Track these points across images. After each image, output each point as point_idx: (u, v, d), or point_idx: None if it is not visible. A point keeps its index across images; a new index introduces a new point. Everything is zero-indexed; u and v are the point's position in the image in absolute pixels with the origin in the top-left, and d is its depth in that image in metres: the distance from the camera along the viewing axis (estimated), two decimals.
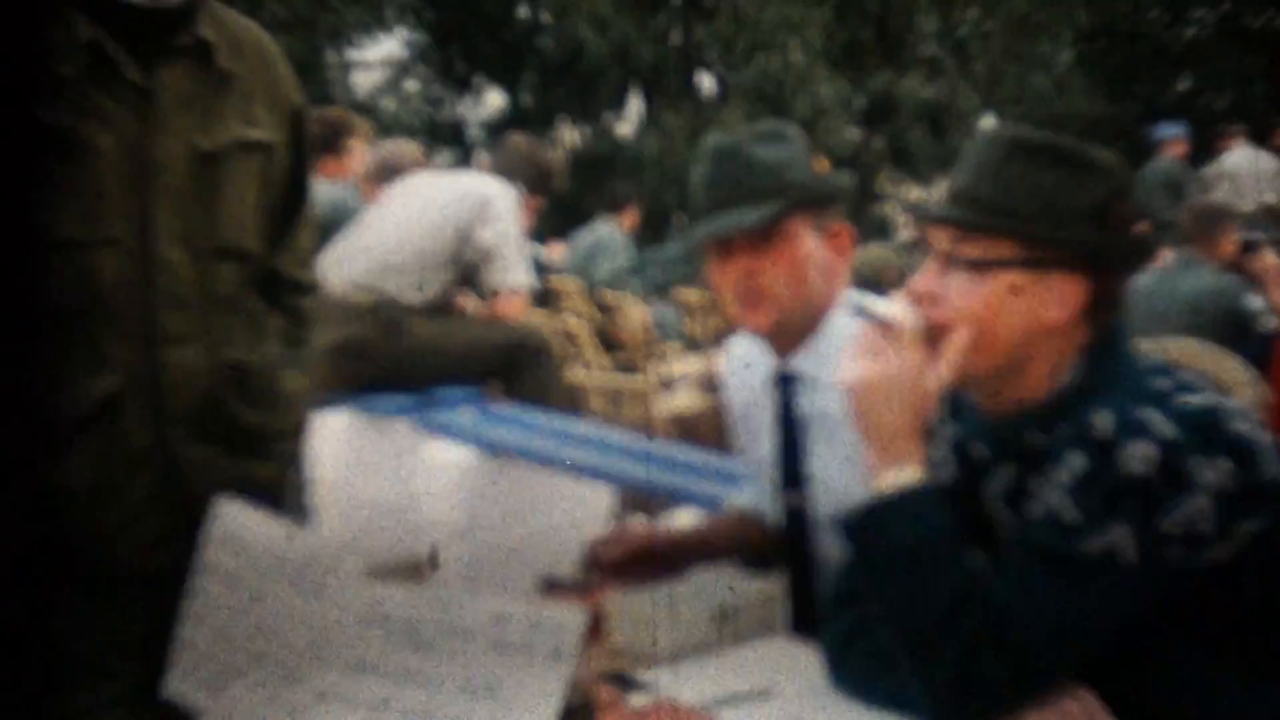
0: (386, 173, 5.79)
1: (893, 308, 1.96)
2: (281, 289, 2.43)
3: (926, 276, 1.92)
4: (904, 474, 1.86)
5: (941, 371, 1.88)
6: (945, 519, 1.84)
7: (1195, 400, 1.81)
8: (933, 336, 1.88)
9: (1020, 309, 1.89)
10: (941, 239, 1.92)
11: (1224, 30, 17.39)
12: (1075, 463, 1.80)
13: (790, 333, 2.51)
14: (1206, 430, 1.78)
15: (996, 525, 1.97)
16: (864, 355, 1.89)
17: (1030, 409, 1.92)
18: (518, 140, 5.78)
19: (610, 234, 9.68)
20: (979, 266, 1.89)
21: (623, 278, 9.42)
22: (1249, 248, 6.98)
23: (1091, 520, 1.76)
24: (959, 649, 1.76)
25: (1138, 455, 1.76)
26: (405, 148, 6.44)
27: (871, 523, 1.88)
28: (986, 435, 1.97)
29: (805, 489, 2.53)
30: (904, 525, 1.84)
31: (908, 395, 1.87)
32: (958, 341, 1.88)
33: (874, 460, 1.89)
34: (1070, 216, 1.90)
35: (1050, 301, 1.90)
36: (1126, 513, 1.75)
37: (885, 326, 1.89)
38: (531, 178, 5.44)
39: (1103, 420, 1.80)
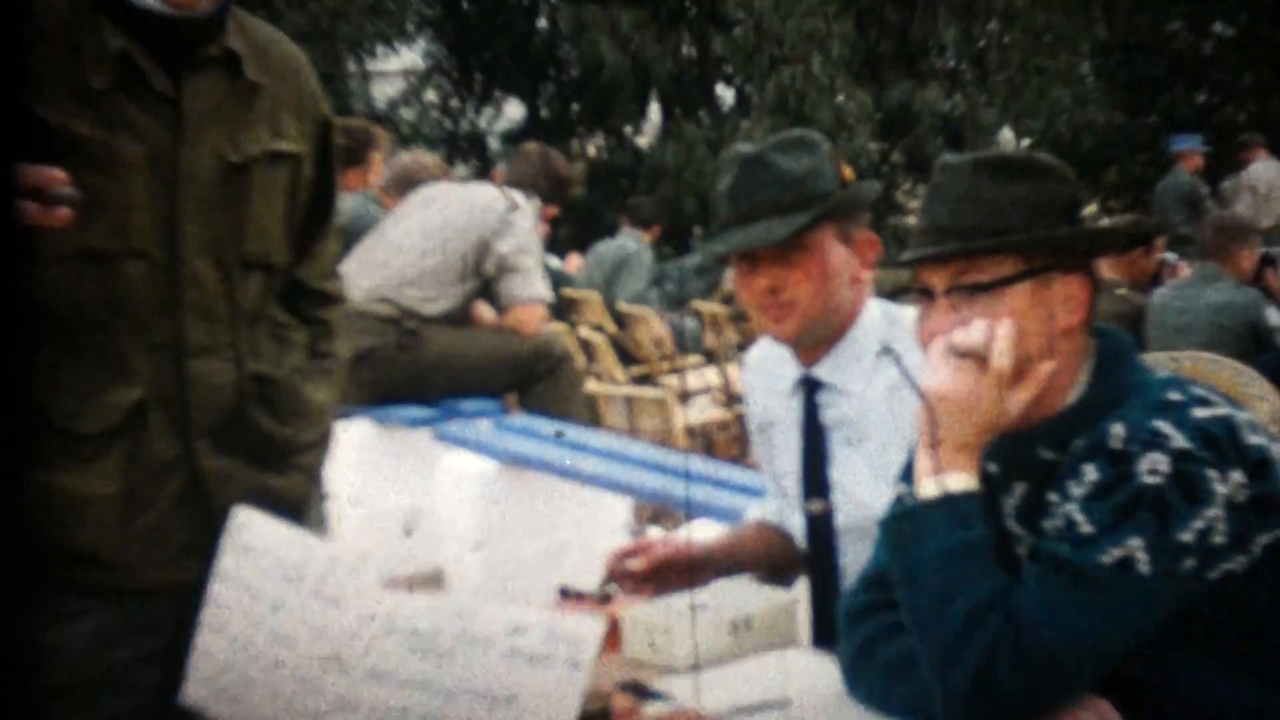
0: (407, 184, 5.79)
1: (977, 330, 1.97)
2: (307, 300, 2.43)
3: (940, 318, 1.92)
4: (956, 480, 1.88)
5: (1023, 397, 1.89)
6: (982, 528, 1.86)
7: (1208, 412, 1.82)
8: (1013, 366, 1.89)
9: (1038, 322, 1.91)
10: (940, 278, 1.93)
11: (1243, 43, 17.34)
12: (1090, 474, 1.81)
13: (816, 341, 2.51)
14: (1220, 442, 1.79)
15: (1012, 541, 1.97)
16: (951, 369, 1.90)
17: (1042, 426, 1.93)
18: (532, 149, 5.78)
19: (637, 250, 9.67)
20: (993, 288, 1.90)
21: (647, 294, 9.42)
22: (1269, 262, 6.97)
23: (1106, 531, 1.77)
24: (978, 656, 1.76)
25: (1151, 466, 1.76)
26: (426, 158, 6.43)
27: (911, 525, 1.89)
28: (998, 454, 1.98)
29: (828, 496, 2.53)
30: (942, 530, 1.85)
31: (984, 415, 1.88)
32: (1044, 369, 1.90)
33: (927, 465, 1.90)
34: (1052, 218, 1.94)
35: (1060, 308, 1.93)
36: (1141, 524, 1.76)
37: (975, 354, 1.89)
38: (546, 187, 5.45)
39: (1116, 431, 1.81)
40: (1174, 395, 1.86)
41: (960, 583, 1.81)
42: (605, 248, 9.90)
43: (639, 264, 9.60)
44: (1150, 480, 1.77)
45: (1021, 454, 1.96)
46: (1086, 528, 1.79)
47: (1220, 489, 1.77)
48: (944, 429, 1.89)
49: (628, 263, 9.57)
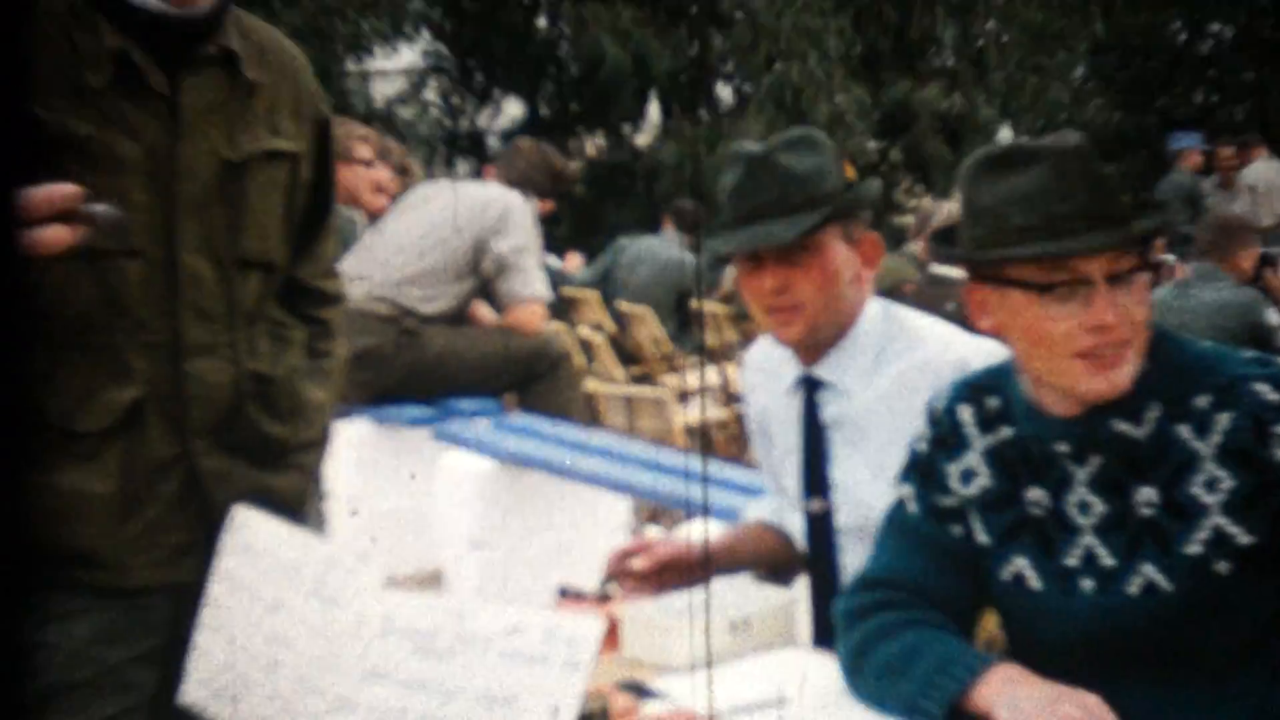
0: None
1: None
2: (305, 299, 2.43)
3: (1107, 307, 1.91)
4: None
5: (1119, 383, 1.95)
6: None
7: None
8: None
9: (1148, 305, 1.96)
10: (1098, 267, 1.91)
11: (1241, 42, 17.35)
12: (1224, 422, 1.90)
13: (819, 341, 2.51)
14: None
15: (1057, 522, 2.01)
16: None
17: (1115, 401, 1.96)
18: (526, 145, 5.75)
19: (682, 254, 9.73)
20: (1148, 270, 1.95)
21: (711, 284, 9.51)
22: (1268, 261, 6.97)
23: None
24: None
25: None
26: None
27: None
28: (1067, 433, 2.00)
29: (828, 496, 2.52)
30: None
31: None
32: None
33: None
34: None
35: (1147, 293, 1.97)
36: None
37: None
38: (542, 182, 5.44)
39: (1263, 389, 1.90)
40: (1246, 352, 1.97)
41: None
42: (651, 245, 9.90)
43: (691, 259, 9.67)
44: None
45: (1096, 430, 1.98)
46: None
47: None
48: None
49: (683, 261, 9.63)
